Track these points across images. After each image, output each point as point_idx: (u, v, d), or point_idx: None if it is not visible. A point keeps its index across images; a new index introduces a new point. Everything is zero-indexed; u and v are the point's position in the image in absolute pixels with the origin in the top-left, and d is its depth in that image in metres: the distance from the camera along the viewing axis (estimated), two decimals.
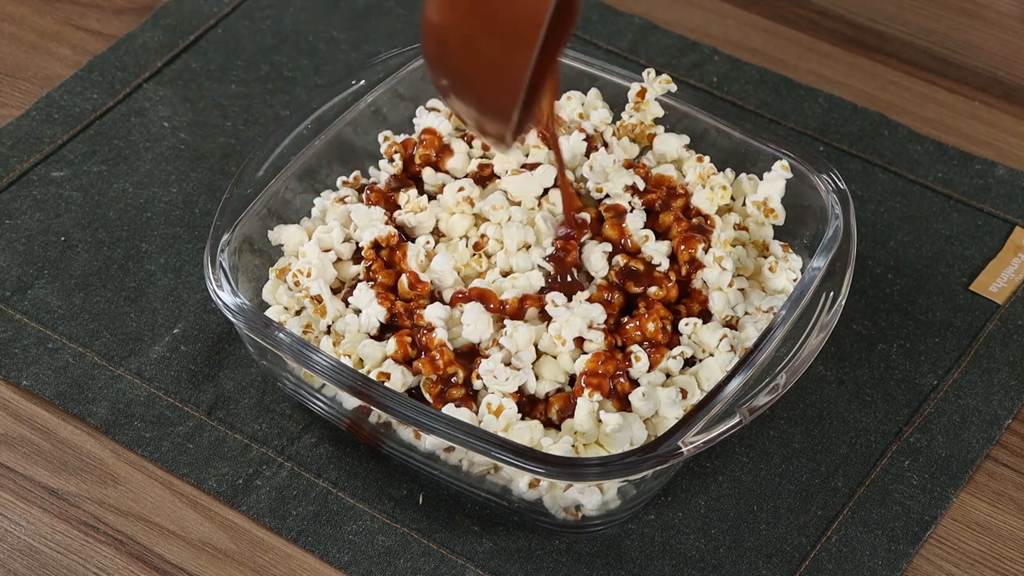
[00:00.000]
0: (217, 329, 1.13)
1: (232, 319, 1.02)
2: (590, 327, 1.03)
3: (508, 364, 1.02)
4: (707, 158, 1.12)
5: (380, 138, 1.15)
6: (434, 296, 1.06)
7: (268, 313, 1.06)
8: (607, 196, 1.09)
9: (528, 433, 0.99)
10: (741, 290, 1.06)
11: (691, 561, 1.02)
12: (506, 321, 1.03)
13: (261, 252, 1.09)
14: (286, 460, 1.07)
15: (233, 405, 1.09)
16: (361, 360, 1.03)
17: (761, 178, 1.11)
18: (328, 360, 0.99)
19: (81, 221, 1.20)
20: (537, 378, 1.02)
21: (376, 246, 1.07)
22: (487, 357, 1.02)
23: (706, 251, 1.06)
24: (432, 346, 1.02)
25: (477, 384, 1.01)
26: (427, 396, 1.01)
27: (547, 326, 1.03)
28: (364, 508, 1.05)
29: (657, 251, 1.06)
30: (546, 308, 1.03)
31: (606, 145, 1.13)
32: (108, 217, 1.20)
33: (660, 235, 1.08)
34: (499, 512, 1.04)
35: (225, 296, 1.02)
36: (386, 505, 1.05)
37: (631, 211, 1.08)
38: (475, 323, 1.02)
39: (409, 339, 1.02)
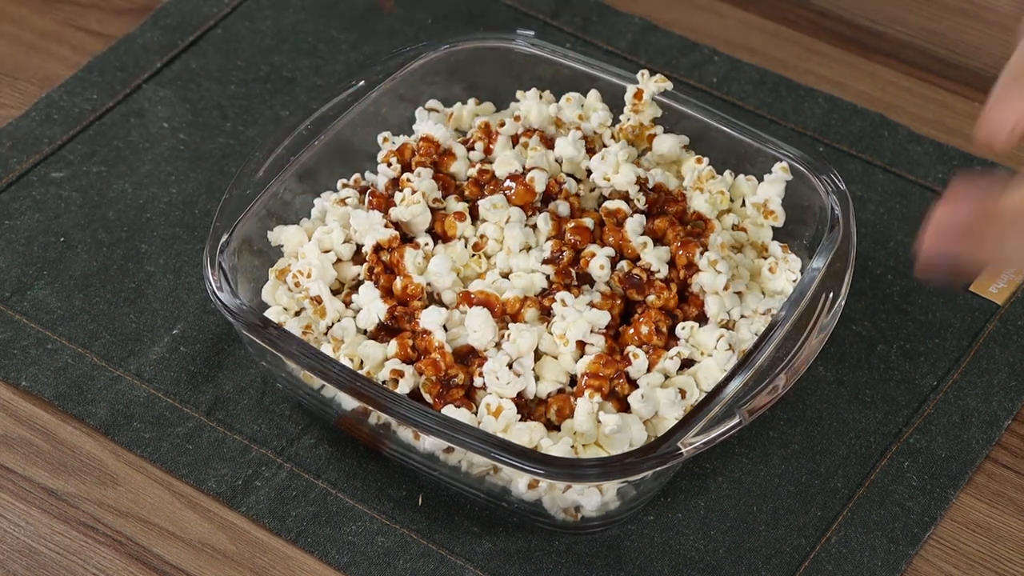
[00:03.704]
0: (216, 330, 1.13)
1: (231, 320, 1.02)
2: (592, 331, 1.02)
3: (509, 366, 1.01)
4: (706, 159, 1.12)
5: (380, 139, 1.15)
6: (432, 298, 1.06)
7: (268, 314, 1.06)
8: (609, 196, 1.09)
9: (527, 434, 0.99)
10: (738, 293, 1.06)
11: (690, 562, 1.02)
12: (510, 325, 1.02)
13: (261, 253, 1.09)
14: (285, 461, 1.07)
15: (232, 406, 1.09)
16: (361, 361, 1.03)
17: (761, 179, 1.11)
18: (328, 361, 0.99)
19: (81, 221, 1.19)
20: (537, 379, 1.02)
21: (378, 248, 1.07)
22: (488, 358, 1.01)
23: (703, 255, 1.06)
24: (431, 348, 1.01)
25: (478, 382, 1.01)
26: (427, 397, 1.01)
27: (547, 326, 1.03)
28: (363, 509, 1.04)
29: (656, 258, 1.06)
30: (553, 307, 1.03)
31: (605, 147, 1.13)
32: (108, 217, 1.20)
33: (657, 241, 1.08)
34: (498, 513, 1.04)
35: (224, 297, 1.02)
36: (385, 506, 1.05)
37: (631, 215, 1.08)
38: (482, 330, 1.02)
39: (410, 342, 1.02)
